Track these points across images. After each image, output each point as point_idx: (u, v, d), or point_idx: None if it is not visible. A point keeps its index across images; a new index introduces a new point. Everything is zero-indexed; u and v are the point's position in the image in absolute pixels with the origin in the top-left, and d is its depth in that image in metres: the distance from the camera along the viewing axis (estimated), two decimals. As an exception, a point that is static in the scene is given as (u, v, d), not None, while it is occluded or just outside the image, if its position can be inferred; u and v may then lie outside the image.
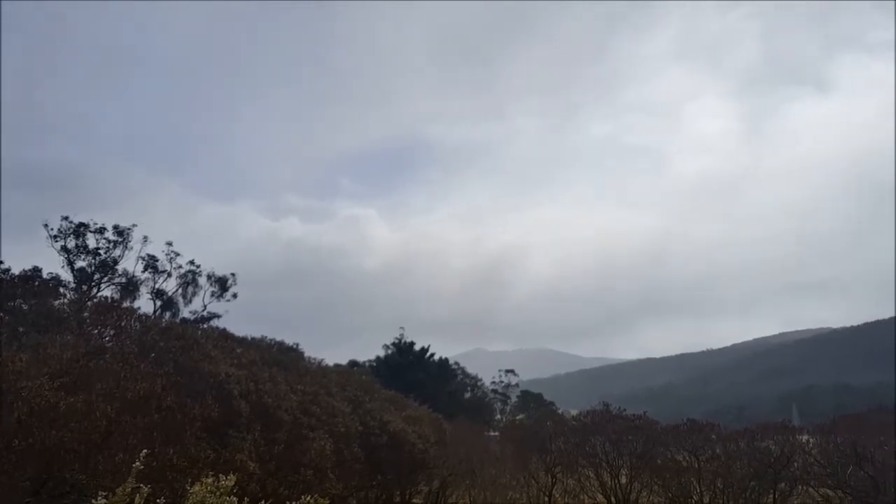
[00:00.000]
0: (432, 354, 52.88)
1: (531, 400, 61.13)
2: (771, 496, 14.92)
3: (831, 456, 14.41)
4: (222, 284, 35.71)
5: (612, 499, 17.27)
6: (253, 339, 16.08)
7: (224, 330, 16.42)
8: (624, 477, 17.31)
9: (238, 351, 13.89)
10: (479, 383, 60.83)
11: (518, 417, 48.41)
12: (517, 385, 64.07)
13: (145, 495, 5.07)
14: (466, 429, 23.93)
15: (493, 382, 62.73)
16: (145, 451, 5.59)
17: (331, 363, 23.66)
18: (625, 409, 19.78)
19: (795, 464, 15.10)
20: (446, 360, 55.48)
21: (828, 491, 14.44)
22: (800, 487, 15.08)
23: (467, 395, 57.04)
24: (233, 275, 36.56)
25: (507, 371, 63.66)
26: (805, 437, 16.23)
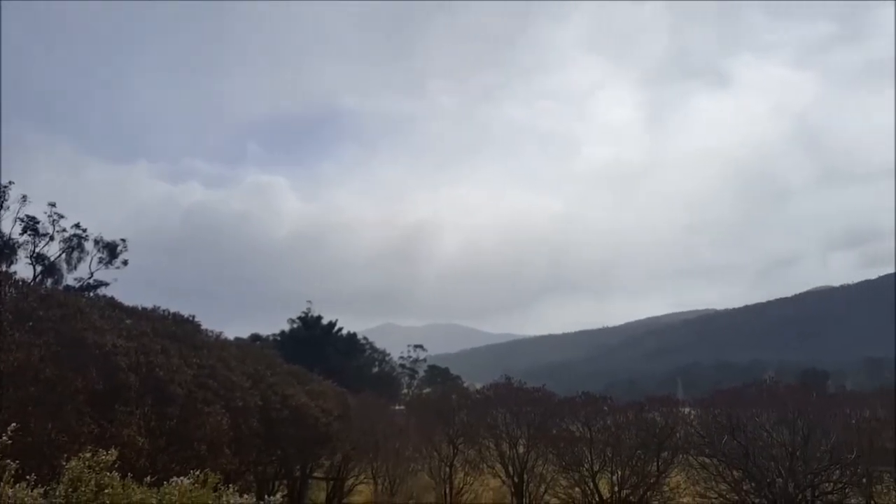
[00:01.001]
0: (340, 329, 52.31)
1: (438, 374, 62.12)
2: (655, 464, 15.94)
3: (709, 427, 15.49)
4: (111, 250, 33.65)
5: (510, 468, 17.87)
6: (144, 309, 15.10)
7: (112, 299, 15.34)
8: (522, 447, 17.93)
9: (127, 322, 13.04)
10: (387, 358, 61.03)
11: (424, 391, 49.02)
12: (425, 360, 64.84)
13: (13, 472, 4.67)
14: (372, 403, 23.91)
15: (402, 357, 63.18)
16: (14, 424, 5.14)
17: (232, 337, 22.78)
18: (526, 383, 20.47)
19: (678, 434, 16.16)
20: (355, 334, 55.10)
21: (705, 458, 15.55)
22: (681, 455, 16.19)
23: (375, 369, 57.00)
24: (123, 240, 34.49)
25: (416, 346, 64.27)
26: (687, 410, 17.40)
